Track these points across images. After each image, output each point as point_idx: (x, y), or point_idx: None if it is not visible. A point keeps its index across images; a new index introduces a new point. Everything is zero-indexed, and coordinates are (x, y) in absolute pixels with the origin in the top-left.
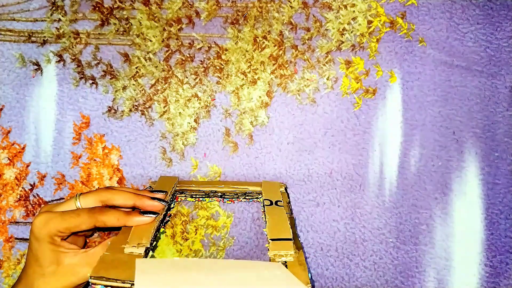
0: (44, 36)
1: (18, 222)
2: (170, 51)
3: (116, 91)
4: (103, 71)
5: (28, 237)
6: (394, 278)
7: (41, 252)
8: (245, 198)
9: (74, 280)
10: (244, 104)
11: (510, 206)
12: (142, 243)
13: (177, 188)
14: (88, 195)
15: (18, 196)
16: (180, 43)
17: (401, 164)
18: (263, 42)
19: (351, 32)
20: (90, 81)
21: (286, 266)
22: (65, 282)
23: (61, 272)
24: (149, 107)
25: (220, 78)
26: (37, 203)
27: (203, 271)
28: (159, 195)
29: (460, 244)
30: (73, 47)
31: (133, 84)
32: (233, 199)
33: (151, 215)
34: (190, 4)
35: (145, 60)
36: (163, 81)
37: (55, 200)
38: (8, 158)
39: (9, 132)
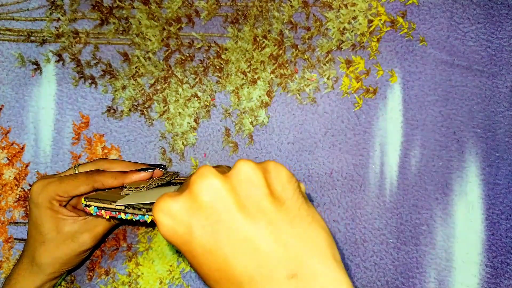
0: (44, 36)
1: (17, 223)
2: (169, 51)
3: (115, 91)
4: (103, 70)
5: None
6: (395, 279)
7: (40, 219)
8: None
9: (75, 247)
10: (244, 104)
11: (511, 206)
12: (140, 186)
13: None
14: (87, 165)
15: (18, 197)
16: (179, 42)
17: (402, 164)
18: (263, 42)
19: (352, 31)
20: (90, 81)
21: None
22: (66, 249)
23: (61, 239)
24: (149, 107)
25: (220, 78)
26: None
27: None
28: (147, 167)
29: (461, 245)
30: (72, 47)
31: (133, 84)
32: None
33: (149, 170)
34: (189, 3)
35: (145, 59)
36: (162, 80)
37: None
38: (7, 158)
39: (8, 132)
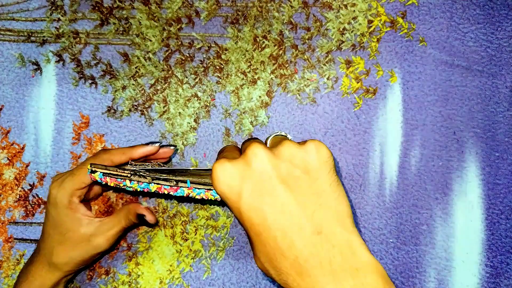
0: (44, 36)
1: (17, 223)
2: (169, 51)
3: (115, 91)
4: (103, 70)
5: (27, 237)
6: (395, 279)
7: (59, 219)
8: None
9: (90, 249)
10: (244, 104)
11: (511, 206)
12: (145, 164)
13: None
14: (87, 160)
15: (18, 196)
16: (179, 42)
17: (402, 164)
18: (263, 42)
19: (352, 31)
20: (90, 81)
21: None
22: (81, 250)
23: (77, 241)
24: (149, 107)
25: (220, 78)
26: (37, 203)
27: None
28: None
29: (461, 245)
30: (72, 47)
31: (133, 84)
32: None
33: (155, 144)
34: (190, 4)
35: (145, 59)
36: (162, 81)
37: None
38: (8, 158)
39: (8, 132)
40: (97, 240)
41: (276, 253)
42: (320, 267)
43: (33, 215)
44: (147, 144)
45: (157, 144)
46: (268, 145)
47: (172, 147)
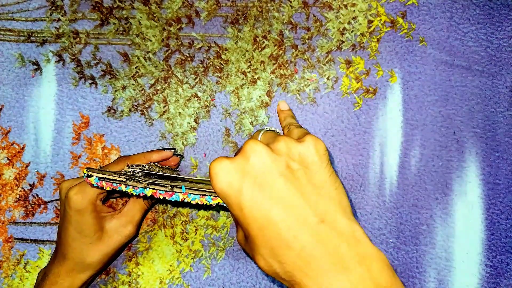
0: (44, 36)
1: (17, 222)
2: (169, 51)
3: (115, 91)
4: (103, 70)
5: (27, 237)
6: None
7: (85, 223)
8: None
9: (122, 239)
10: (244, 104)
11: (511, 206)
12: (141, 165)
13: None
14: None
15: (18, 196)
16: (179, 42)
17: (402, 164)
18: (263, 42)
19: (352, 31)
20: (90, 81)
21: None
22: (114, 243)
23: (106, 237)
24: (149, 107)
25: (220, 78)
26: (37, 203)
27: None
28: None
29: (461, 245)
30: (72, 47)
31: (133, 84)
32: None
33: (171, 150)
34: (189, 4)
35: (145, 59)
36: (162, 81)
37: (54, 200)
38: (8, 158)
39: (8, 132)
40: (126, 230)
41: (281, 246)
42: (327, 255)
43: (33, 215)
44: (164, 149)
45: (172, 150)
46: (259, 140)
47: (178, 157)
